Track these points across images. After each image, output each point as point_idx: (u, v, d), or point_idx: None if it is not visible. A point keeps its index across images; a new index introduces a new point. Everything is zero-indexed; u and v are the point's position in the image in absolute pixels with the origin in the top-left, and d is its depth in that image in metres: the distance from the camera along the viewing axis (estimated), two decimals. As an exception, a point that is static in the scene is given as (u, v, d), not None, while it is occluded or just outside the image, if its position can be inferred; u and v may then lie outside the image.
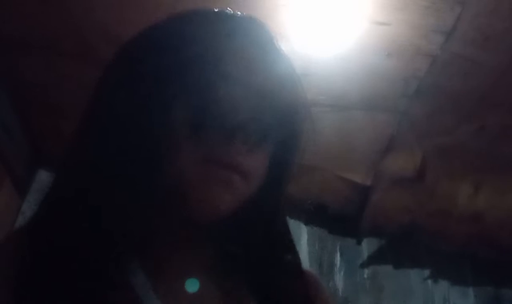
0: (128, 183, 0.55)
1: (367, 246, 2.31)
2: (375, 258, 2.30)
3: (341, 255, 2.26)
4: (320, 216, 2.22)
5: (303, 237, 2.22)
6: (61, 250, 0.53)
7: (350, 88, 1.73)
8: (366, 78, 1.71)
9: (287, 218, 0.69)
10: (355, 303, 2.19)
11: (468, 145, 1.92)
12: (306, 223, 2.25)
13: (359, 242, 2.30)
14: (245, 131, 0.55)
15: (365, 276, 2.26)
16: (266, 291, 0.62)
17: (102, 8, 1.52)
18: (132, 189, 0.55)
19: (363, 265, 2.28)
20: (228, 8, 0.64)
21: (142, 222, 0.56)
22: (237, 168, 0.56)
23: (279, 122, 0.60)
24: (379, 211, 2.15)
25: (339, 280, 2.21)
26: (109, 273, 0.53)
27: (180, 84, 0.56)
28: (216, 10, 0.64)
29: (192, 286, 0.58)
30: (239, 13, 0.64)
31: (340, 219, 2.21)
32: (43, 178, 2.09)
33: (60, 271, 0.52)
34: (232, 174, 0.56)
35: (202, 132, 0.55)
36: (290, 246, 0.67)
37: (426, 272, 2.30)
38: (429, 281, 2.29)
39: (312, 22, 1.53)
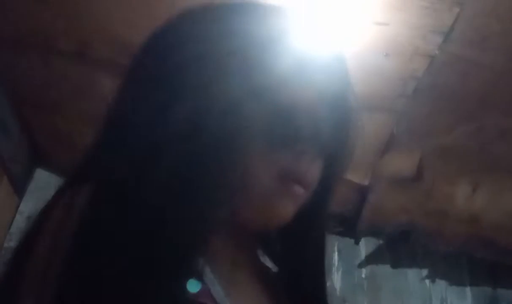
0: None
1: (365, 246, 2.31)
2: (373, 258, 2.29)
3: (339, 255, 2.26)
4: (318, 216, 2.21)
5: (301, 237, 2.22)
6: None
7: (348, 88, 1.73)
8: (364, 78, 1.70)
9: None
10: (352, 303, 2.19)
11: (466, 146, 1.91)
12: (304, 223, 2.24)
13: (357, 242, 2.30)
14: (314, 137, 0.56)
15: (363, 276, 2.26)
16: None
17: (99, 6, 1.52)
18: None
19: (361, 265, 2.28)
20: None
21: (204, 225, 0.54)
22: (306, 182, 0.57)
23: (333, 129, 0.61)
24: (377, 211, 2.15)
25: (337, 280, 2.21)
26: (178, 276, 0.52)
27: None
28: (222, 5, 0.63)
29: (193, 287, 0.57)
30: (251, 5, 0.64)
31: (338, 219, 2.20)
32: (41, 177, 2.08)
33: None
34: (301, 188, 0.56)
35: (276, 144, 0.54)
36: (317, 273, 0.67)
37: (424, 272, 2.30)
38: (427, 281, 2.29)
39: (309, 22, 1.53)
